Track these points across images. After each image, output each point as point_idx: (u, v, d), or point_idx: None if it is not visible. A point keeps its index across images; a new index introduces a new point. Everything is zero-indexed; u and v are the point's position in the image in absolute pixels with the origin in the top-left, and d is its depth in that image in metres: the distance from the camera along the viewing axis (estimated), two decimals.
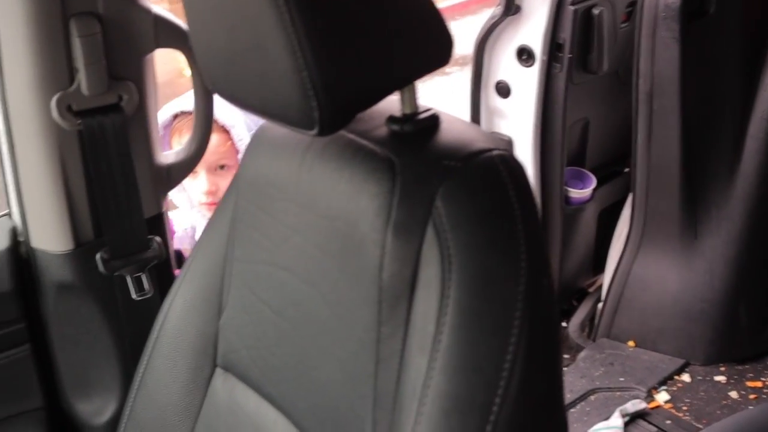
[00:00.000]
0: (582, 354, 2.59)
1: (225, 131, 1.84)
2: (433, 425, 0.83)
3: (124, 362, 1.47)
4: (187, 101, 1.82)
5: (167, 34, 1.39)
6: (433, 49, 0.91)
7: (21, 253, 1.45)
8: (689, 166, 2.37)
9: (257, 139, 1.12)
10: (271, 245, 1.06)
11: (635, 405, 2.30)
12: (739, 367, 2.48)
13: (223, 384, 1.16)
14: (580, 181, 2.67)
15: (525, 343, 0.83)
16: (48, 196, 1.37)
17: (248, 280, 1.11)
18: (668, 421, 2.27)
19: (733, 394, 2.37)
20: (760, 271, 2.47)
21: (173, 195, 1.91)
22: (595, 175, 2.69)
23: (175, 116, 1.84)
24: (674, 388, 2.41)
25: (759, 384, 2.41)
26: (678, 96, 2.27)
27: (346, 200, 0.93)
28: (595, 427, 2.25)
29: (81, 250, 1.40)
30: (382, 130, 0.95)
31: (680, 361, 2.50)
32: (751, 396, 2.37)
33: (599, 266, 2.80)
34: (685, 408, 2.33)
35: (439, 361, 0.83)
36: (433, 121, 0.94)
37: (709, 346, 2.49)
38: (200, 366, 1.18)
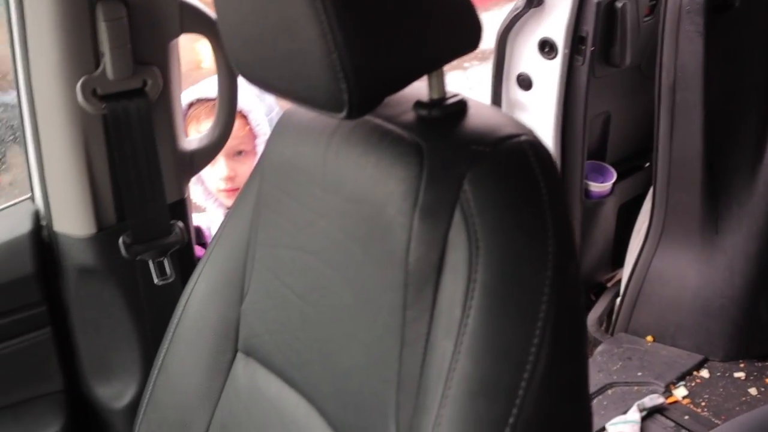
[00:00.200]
0: (599, 348, 2.57)
1: (243, 116, 1.83)
2: (458, 408, 0.83)
3: (145, 346, 1.48)
4: (203, 89, 1.82)
5: (192, 20, 1.39)
6: (462, 33, 0.91)
7: (43, 236, 1.45)
8: (711, 160, 2.35)
9: (282, 124, 1.12)
10: (295, 230, 1.06)
11: (653, 400, 2.29)
12: (759, 364, 2.45)
13: (244, 369, 1.16)
14: (600, 175, 2.66)
15: (551, 327, 0.82)
16: (71, 179, 1.37)
17: (271, 264, 1.11)
18: (686, 417, 2.26)
19: (753, 391, 2.35)
20: None
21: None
22: (616, 170, 2.67)
23: (191, 104, 1.84)
24: (693, 384, 2.40)
25: None
26: (701, 90, 2.26)
27: (373, 184, 0.92)
28: (613, 420, 2.24)
29: (103, 234, 1.41)
30: (410, 116, 0.95)
31: (699, 357, 2.48)
32: None
33: (618, 261, 2.79)
34: (703, 404, 2.31)
35: (465, 344, 0.83)
36: (461, 106, 0.94)
37: (728, 342, 2.47)
38: (221, 350, 1.19)
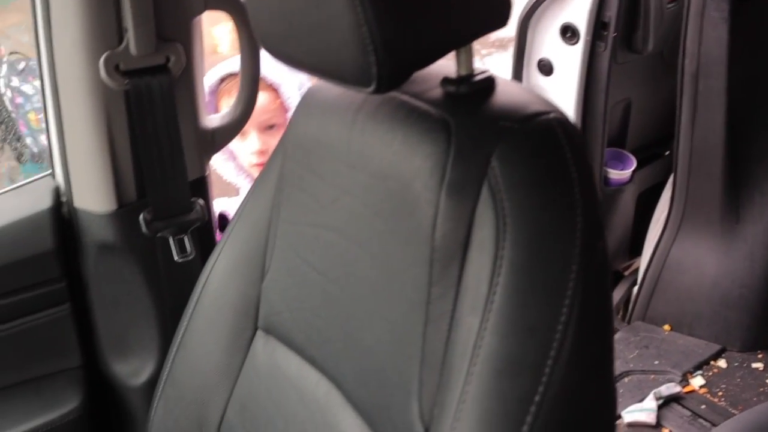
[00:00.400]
0: (616, 336, 2.56)
1: (273, 89, 1.83)
2: (483, 385, 0.82)
3: (164, 323, 1.48)
4: (234, 63, 1.81)
5: None
6: (491, 9, 0.90)
7: (63, 213, 1.45)
8: (733, 148, 2.33)
9: (306, 100, 1.11)
10: (318, 207, 1.05)
11: (669, 388, 2.28)
12: None
13: (264, 346, 1.16)
14: (620, 162, 2.64)
15: (579, 305, 0.82)
16: (92, 155, 1.37)
17: (293, 242, 1.10)
18: (703, 406, 2.25)
19: None
20: None
21: (219, 165, 1.90)
22: (636, 157, 2.66)
23: (222, 79, 1.84)
24: (710, 374, 2.38)
25: None
26: (725, 77, 2.24)
27: (400, 160, 0.92)
28: (629, 408, 2.24)
29: (124, 211, 1.41)
30: (437, 92, 0.94)
31: (716, 347, 2.47)
32: None
33: (636, 249, 2.78)
34: (720, 393, 2.30)
35: (491, 321, 0.82)
36: (489, 83, 0.93)
37: (746, 332, 2.46)
38: (241, 328, 1.18)
